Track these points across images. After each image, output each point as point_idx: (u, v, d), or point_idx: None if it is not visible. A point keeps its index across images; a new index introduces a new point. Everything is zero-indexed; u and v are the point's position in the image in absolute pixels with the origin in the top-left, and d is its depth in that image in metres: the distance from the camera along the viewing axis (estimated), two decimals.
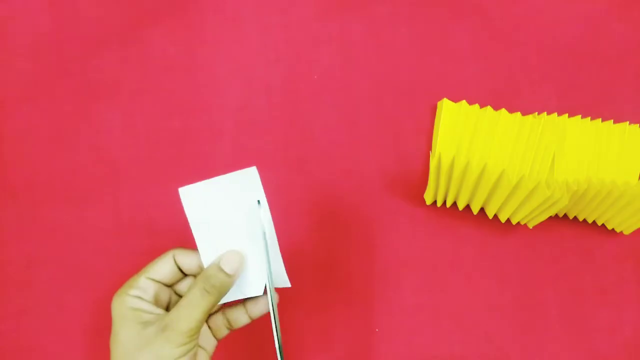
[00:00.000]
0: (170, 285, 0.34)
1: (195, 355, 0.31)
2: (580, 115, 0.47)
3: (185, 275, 0.34)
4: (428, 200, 0.46)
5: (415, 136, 0.48)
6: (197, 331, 0.30)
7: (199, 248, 0.32)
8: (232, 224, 0.32)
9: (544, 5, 0.52)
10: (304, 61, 0.50)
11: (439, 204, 0.46)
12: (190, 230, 0.32)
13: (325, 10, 0.51)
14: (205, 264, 0.32)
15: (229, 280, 0.31)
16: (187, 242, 0.46)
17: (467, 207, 0.47)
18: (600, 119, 0.47)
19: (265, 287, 0.33)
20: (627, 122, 0.47)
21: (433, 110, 0.49)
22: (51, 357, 0.43)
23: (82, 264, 0.45)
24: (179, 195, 0.47)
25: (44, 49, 0.50)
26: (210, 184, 0.32)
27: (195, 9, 0.51)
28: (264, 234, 0.32)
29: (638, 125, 0.47)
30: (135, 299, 0.31)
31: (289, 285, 0.34)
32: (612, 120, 0.47)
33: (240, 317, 0.35)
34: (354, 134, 0.48)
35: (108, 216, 0.46)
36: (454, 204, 0.47)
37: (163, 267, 0.32)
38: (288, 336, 0.44)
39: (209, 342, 0.35)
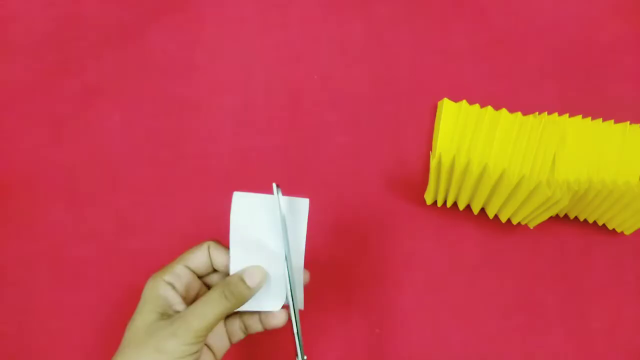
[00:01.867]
0: (201, 277, 0.34)
1: (197, 357, 0.30)
2: (581, 115, 0.47)
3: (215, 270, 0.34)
4: (428, 200, 0.46)
5: (415, 136, 0.48)
6: (205, 333, 0.30)
7: (230, 251, 0.32)
8: (268, 240, 0.33)
9: (544, 6, 0.52)
10: (304, 61, 0.50)
11: (439, 204, 0.46)
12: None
13: (325, 10, 0.51)
14: (232, 269, 0.32)
15: (249, 292, 0.31)
16: (187, 241, 0.46)
17: (468, 207, 0.47)
18: (601, 119, 0.47)
19: (284, 304, 0.34)
20: (628, 122, 0.47)
21: (433, 110, 0.49)
22: (51, 357, 0.43)
23: (82, 264, 0.45)
24: (179, 195, 0.47)
25: (44, 49, 0.50)
26: (263, 198, 0.32)
27: (195, 9, 0.51)
28: (287, 250, 0.32)
29: (639, 125, 0.47)
30: (167, 287, 0.31)
31: (302, 307, 0.35)
32: (613, 120, 0.47)
33: (254, 324, 0.35)
34: (354, 134, 0.48)
35: (108, 216, 0.46)
36: (454, 204, 0.47)
37: (199, 257, 0.33)
38: (288, 336, 0.44)
39: (222, 344, 0.35)
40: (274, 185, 0.32)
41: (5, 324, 0.44)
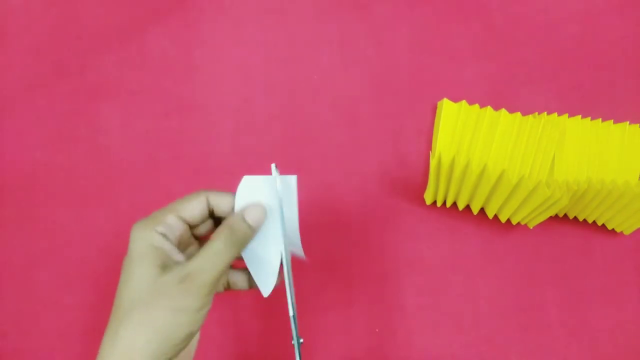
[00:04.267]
0: (192, 227, 0.32)
1: (209, 308, 0.29)
2: (580, 115, 0.47)
3: (211, 217, 0.32)
4: (428, 200, 0.46)
5: (415, 136, 0.48)
6: (217, 282, 0.29)
7: (236, 205, 0.32)
8: (267, 222, 0.32)
9: (543, 6, 0.52)
10: (304, 61, 0.50)
11: (439, 204, 0.46)
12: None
13: (325, 11, 0.51)
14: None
15: (251, 232, 0.30)
16: None
17: (467, 207, 0.47)
18: (600, 119, 0.47)
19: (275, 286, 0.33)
20: (627, 122, 0.47)
21: (433, 110, 0.49)
22: (51, 357, 0.43)
23: (82, 264, 0.45)
24: (178, 195, 0.47)
25: (44, 49, 0.50)
26: (264, 180, 0.32)
27: (195, 9, 0.51)
28: (284, 229, 0.32)
29: (638, 125, 0.47)
30: (160, 237, 0.29)
31: (303, 256, 0.34)
32: (612, 120, 0.47)
33: (239, 282, 0.34)
34: (354, 134, 0.48)
35: (108, 216, 0.46)
36: (454, 204, 0.47)
37: (194, 206, 0.31)
38: (288, 336, 0.44)
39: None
40: (273, 165, 0.32)
41: (5, 324, 0.44)
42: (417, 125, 0.49)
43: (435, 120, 0.49)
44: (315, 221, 0.46)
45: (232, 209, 0.31)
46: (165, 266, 0.28)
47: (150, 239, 0.29)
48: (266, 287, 0.33)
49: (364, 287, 0.45)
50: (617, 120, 0.48)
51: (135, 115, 0.48)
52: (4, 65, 0.49)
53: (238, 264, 0.34)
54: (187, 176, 0.47)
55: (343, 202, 0.47)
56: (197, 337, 0.32)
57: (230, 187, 0.48)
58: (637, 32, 0.52)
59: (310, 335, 0.44)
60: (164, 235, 0.29)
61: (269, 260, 0.32)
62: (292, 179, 0.33)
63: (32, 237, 0.45)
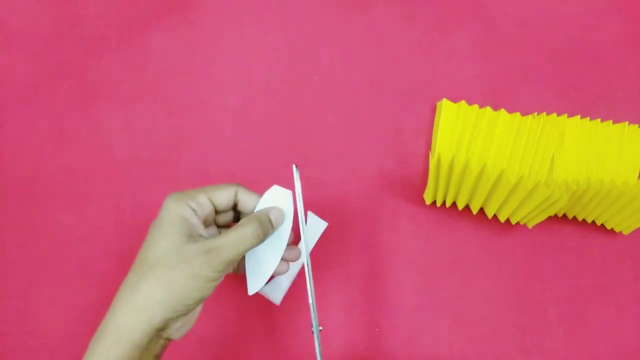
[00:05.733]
0: (217, 213, 0.35)
1: (220, 282, 0.33)
2: (579, 116, 0.47)
3: (232, 210, 0.36)
4: (427, 200, 0.46)
5: (415, 136, 0.49)
6: (235, 263, 0.33)
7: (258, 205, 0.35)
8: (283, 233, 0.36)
9: (543, 6, 0.52)
10: (304, 61, 0.50)
11: (438, 204, 0.46)
12: None
13: (325, 11, 0.51)
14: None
15: (272, 230, 0.34)
16: None
17: (467, 207, 0.47)
18: (599, 119, 0.47)
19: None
20: (626, 122, 0.47)
21: (433, 110, 0.49)
22: (52, 356, 0.43)
23: (83, 264, 0.45)
24: None
25: (44, 49, 0.50)
26: (287, 194, 0.36)
27: (196, 10, 0.51)
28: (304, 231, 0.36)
29: (637, 125, 0.48)
30: (190, 211, 0.32)
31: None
32: (611, 120, 0.47)
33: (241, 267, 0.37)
34: (354, 134, 0.49)
35: (108, 216, 0.46)
36: (454, 203, 0.47)
37: (225, 195, 0.34)
38: (288, 336, 0.44)
39: None
40: (294, 166, 0.36)
41: (5, 323, 0.44)
42: (417, 126, 0.49)
43: (435, 121, 0.49)
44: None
45: (254, 208, 0.35)
46: (191, 237, 0.31)
47: (181, 210, 0.32)
48: (252, 288, 0.35)
49: (363, 286, 0.45)
50: (616, 120, 0.48)
51: (136, 116, 0.48)
52: (5, 65, 0.49)
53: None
54: (188, 176, 0.47)
55: (343, 201, 0.47)
56: (200, 307, 0.34)
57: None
58: (636, 32, 0.52)
59: (310, 335, 0.44)
60: (194, 211, 0.32)
61: (265, 268, 0.35)
62: (322, 225, 0.39)
63: (33, 237, 0.45)
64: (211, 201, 0.33)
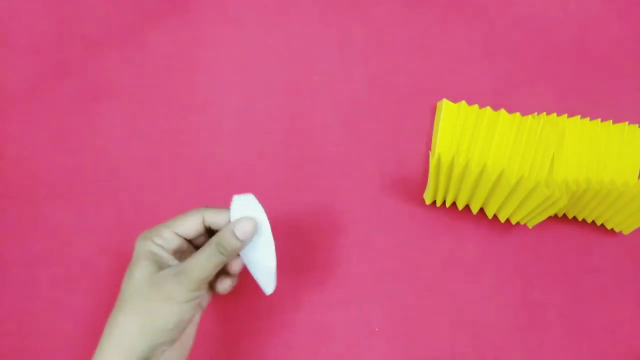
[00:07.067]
0: (190, 241, 0.36)
1: (199, 305, 0.35)
2: (579, 116, 0.47)
3: (207, 230, 0.36)
4: (427, 200, 0.46)
5: (415, 136, 0.49)
6: (206, 281, 0.33)
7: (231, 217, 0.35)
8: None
9: (543, 6, 0.52)
10: (304, 61, 0.50)
11: (438, 204, 0.46)
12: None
13: (325, 11, 0.51)
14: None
15: (239, 244, 0.34)
16: None
17: (467, 207, 0.47)
18: (599, 119, 0.48)
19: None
20: (626, 122, 0.47)
21: (433, 111, 0.49)
22: (51, 357, 0.43)
23: (83, 264, 0.45)
24: (179, 195, 0.47)
25: (45, 49, 0.50)
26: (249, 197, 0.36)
27: (196, 10, 0.51)
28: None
29: (637, 125, 0.48)
30: (157, 247, 0.34)
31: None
32: (611, 121, 0.47)
33: (226, 284, 0.37)
34: (353, 134, 0.49)
35: (109, 216, 0.46)
36: (454, 203, 0.47)
37: (189, 224, 0.35)
38: (287, 336, 0.44)
39: (204, 298, 0.38)
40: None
41: (5, 323, 0.44)
42: (417, 126, 0.49)
43: (435, 121, 0.49)
44: (315, 221, 0.47)
45: (227, 223, 0.35)
46: (163, 266, 0.33)
47: (149, 246, 0.33)
48: (267, 287, 0.36)
49: (363, 286, 0.45)
50: (616, 121, 0.48)
51: (136, 116, 0.48)
52: (5, 65, 0.49)
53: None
54: (188, 176, 0.47)
55: (343, 202, 0.47)
56: (192, 334, 0.36)
57: (231, 188, 0.48)
58: (636, 32, 0.52)
59: (310, 335, 0.44)
60: (160, 246, 0.34)
61: (266, 264, 0.35)
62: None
63: (33, 237, 0.45)
64: (176, 233, 0.34)
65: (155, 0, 0.51)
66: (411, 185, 0.48)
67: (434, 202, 0.47)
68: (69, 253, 0.45)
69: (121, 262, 0.45)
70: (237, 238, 0.33)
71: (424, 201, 0.47)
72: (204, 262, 0.32)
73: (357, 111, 0.49)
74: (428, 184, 0.44)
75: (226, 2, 0.51)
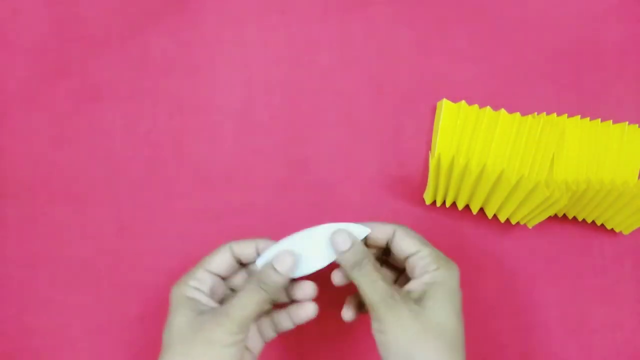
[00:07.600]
0: (225, 278, 0.36)
1: (243, 350, 0.33)
2: (579, 115, 0.47)
3: (241, 266, 0.36)
4: (427, 200, 0.46)
5: (415, 136, 0.49)
6: (248, 322, 0.32)
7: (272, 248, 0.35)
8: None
9: (543, 6, 0.52)
10: (304, 61, 0.50)
11: (438, 204, 0.46)
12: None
13: (325, 11, 0.51)
14: (261, 257, 0.34)
15: (281, 279, 0.33)
16: (188, 241, 0.46)
17: (467, 207, 0.47)
18: (599, 119, 0.48)
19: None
20: (626, 122, 0.47)
21: (433, 111, 0.49)
22: (51, 356, 0.43)
23: (83, 264, 0.45)
24: (179, 195, 0.47)
25: (44, 49, 0.50)
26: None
27: (196, 9, 0.51)
28: None
29: (637, 125, 0.48)
30: (192, 289, 0.33)
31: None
32: (611, 121, 0.47)
33: (284, 322, 0.36)
34: (354, 134, 0.49)
35: (109, 216, 0.46)
36: (454, 203, 0.47)
37: (220, 259, 0.34)
38: (287, 337, 0.44)
39: (256, 344, 0.36)
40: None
41: (5, 323, 0.44)
42: (417, 126, 0.49)
43: (435, 121, 0.49)
44: (315, 221, 0.46)
45: (256, 255, 0.35)
46: (201, 311, 0.32)
47: (184, 292, 0.33)
48: (324, 261, 0.36)
49: None
50: (616, 121, 0.48)
51: (136, 116, 0.48)
52: (5, 65, 0.49)
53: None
54: (188, 176, 0.47)
55: (343, 202, 0.47)
56: None
57: (231, 188, 0.48)
58: (636, 32, 0.52)
59: (310, 335, 0.44)
60: (196, 288, 0.33)
61: (310, 264, 0.35)
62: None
63: (32, 236, 0.45)
64: (209, 271, 0.34)
65: (155, 0, 0.51)
66: (411, 185, 0.47)
67: (434, 202, 0.47)
68: (69, 253, 0.45)
69: (121, 262, 0.45)
70: (277, 272, 0.32)
71: (424, 201, 0.47)
72: (245, 299, 0.31)
73: (357, 111, 0.49)
74: (428, 184, 0.44)
75: (226, 2, 0.51)
